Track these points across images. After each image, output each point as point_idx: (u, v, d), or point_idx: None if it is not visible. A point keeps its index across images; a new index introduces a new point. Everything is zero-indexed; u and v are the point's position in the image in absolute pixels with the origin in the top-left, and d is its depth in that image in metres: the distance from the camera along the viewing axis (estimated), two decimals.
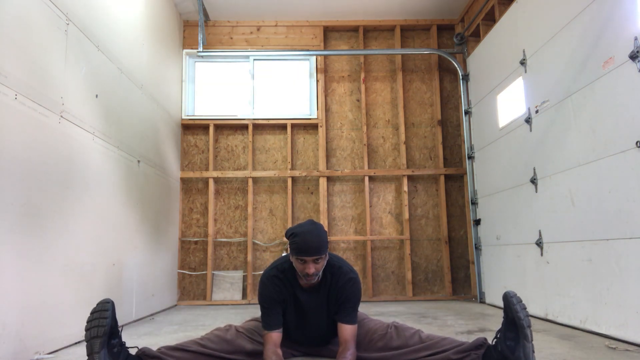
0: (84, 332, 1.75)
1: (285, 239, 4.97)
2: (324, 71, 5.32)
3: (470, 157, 4.89)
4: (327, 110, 5.28)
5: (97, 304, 1.79)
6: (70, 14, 2.77)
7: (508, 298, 1.81)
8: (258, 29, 5.37)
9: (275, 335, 1.98)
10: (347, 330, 1.98)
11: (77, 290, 2.75)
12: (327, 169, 5.13)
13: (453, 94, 5.34)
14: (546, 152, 3.36)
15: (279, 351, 1.94)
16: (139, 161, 3.81)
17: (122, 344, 1.85)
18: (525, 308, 1.78)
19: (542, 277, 3.41)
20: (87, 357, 1.73)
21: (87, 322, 1.75)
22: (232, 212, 5.09)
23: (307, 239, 1.89)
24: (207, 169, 5.10)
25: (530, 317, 1.78)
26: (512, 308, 1.77)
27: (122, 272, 3.40)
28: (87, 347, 1.73)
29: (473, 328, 3.05)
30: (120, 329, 1.88)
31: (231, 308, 4.47)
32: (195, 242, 5.01)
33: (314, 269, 1.91)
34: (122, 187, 3.47)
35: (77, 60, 2.86)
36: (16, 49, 2.28)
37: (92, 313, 1.77)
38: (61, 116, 2.65)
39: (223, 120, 5.15)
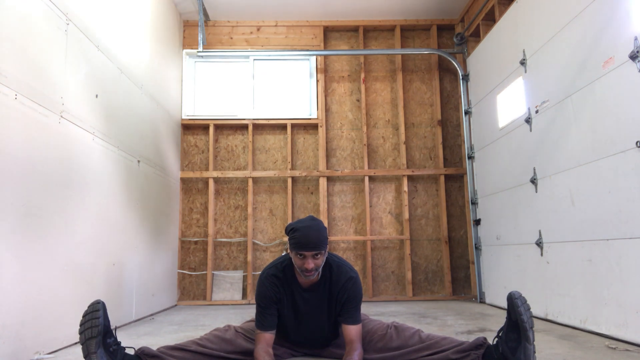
0: (79, 336, 1.75)
1: (285, 239, 4.97)
2: (324, 71, 5.32)
3: (470, 157, 4.89)
4: (327, 110, 5.28)
5: (88, 307, 1.79)
6: (70, 14, 2.77)
7: (513, 299, 1.79)
8: (258, 29, 5.37)
9: (268, 336, 1.98)
10: (352, 331, 1.98)
11: (77, 290, 2.75)
12: (327, 169, 5.13)
13: (453, 94, 5.34)
14: (546, 152, 3.36)
15: (271, 351, 1.94)
16: (139, 161, 3.81)
17: (118, 343, 1.85)
18: (529, 309, 1.76)
19: (542, 277, 3.41)
20: (84, 359, 1.73)
21: (80, 325, 1.75)
22: (232, 212, 5.09)
23: (306, 233, 1.89)
24: (207, 169, 5.10)
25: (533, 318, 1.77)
26: (516, 310, 1.76)
27: (122, 272, 3.40)
28: (83, 349, 1.72)
29: (473, 328, 3.05)
30: (114, 329, 1.88)
31: (231, 308, 4.47)
32: (195, 242, 5.01)
33: (313, 264, 1.90)
34: (122, 187, 3.47)
35: (77, 60, 2.86)
36: (16, 49, 2.28)
37: (84, 316, 1.77)
38: (61, 116, 2.65)
39: (223, 120, 5.15)
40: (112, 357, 1.77)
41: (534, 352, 1.75)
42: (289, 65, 5.41)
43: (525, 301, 1.79)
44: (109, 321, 1.83)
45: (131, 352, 1.91)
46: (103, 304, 1.81)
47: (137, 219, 3.74)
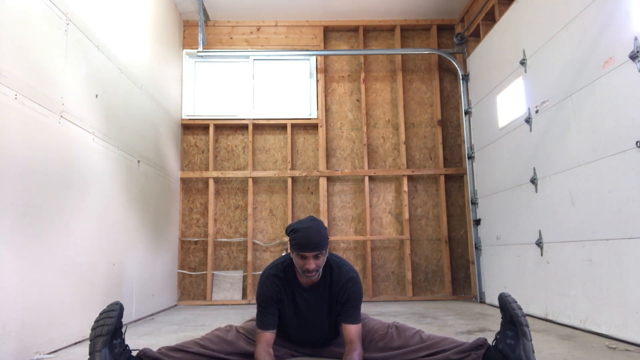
0: (90, 332, 1.81)
1: (285, 239, 4.97)
2: (324, 71, 5.32)
3: (470, 157, 4.89)
4: (327, 110, 5.28)
5: (107, 306, 1.86)
6: (70, 14, 2.77)
7: (504, 297, 1.86)
8: (258, 29, 5.37)
9: (269, 336, 1.99)
10: (351, 330, 1.99)
11: (77, 290, 2.75)
12: (327, 169, 5.13)
13: (453, 94, 5.34)
14: (546, 152, 3.36)
15: (271, 351, 1.95)
16: (139, 161, 3.81)
17: (125, 346, 1.87)
18: (521, 308, 1.82)
19: (542, 277, 3.41)
20: (88, 356, 1.75)
21: (94, 322, 1.81)
22: (232, 212, 5.09)
23: (307, 234, 1.90)
24: (207, 169, 5.10)
25: (527, 318, 1.81)
26: (509, 306, 1.82)
27: (122, 272, 3.40)
28: (90, 346, 1.77)
29: (473, 328, 3.05)
30: (124, 329, 1.91)
31: (231, 308, 4.47)
32: (195, 242, 5.01)
33: (314, 264, 1.91)
34: (122, 187, 3.46)
35: (77, 60, 2.86)
36: (16, 49, 2.28)
37: (100, 313, 1.83)
38: (61, 116, 2.65)
39: (223, 120, 5.15)
40: (116, 357, 1.80)
41: (533, 350, 1.76)
42: (288, 65, 5.41)
43: (516, 301, 1.85)
44: (121, 323, 1.88)
45: (135, 354, 1.93)
46: (121, 306, 1.86)
47: (137, 219, 3.74)
